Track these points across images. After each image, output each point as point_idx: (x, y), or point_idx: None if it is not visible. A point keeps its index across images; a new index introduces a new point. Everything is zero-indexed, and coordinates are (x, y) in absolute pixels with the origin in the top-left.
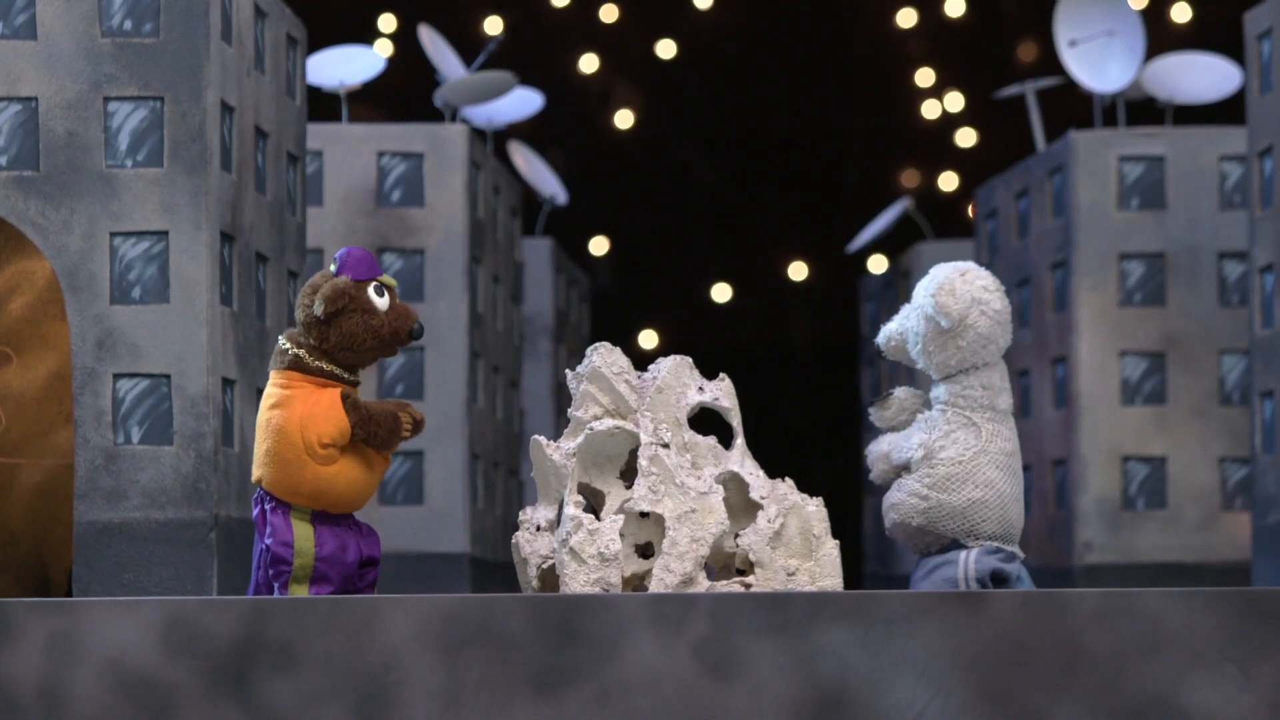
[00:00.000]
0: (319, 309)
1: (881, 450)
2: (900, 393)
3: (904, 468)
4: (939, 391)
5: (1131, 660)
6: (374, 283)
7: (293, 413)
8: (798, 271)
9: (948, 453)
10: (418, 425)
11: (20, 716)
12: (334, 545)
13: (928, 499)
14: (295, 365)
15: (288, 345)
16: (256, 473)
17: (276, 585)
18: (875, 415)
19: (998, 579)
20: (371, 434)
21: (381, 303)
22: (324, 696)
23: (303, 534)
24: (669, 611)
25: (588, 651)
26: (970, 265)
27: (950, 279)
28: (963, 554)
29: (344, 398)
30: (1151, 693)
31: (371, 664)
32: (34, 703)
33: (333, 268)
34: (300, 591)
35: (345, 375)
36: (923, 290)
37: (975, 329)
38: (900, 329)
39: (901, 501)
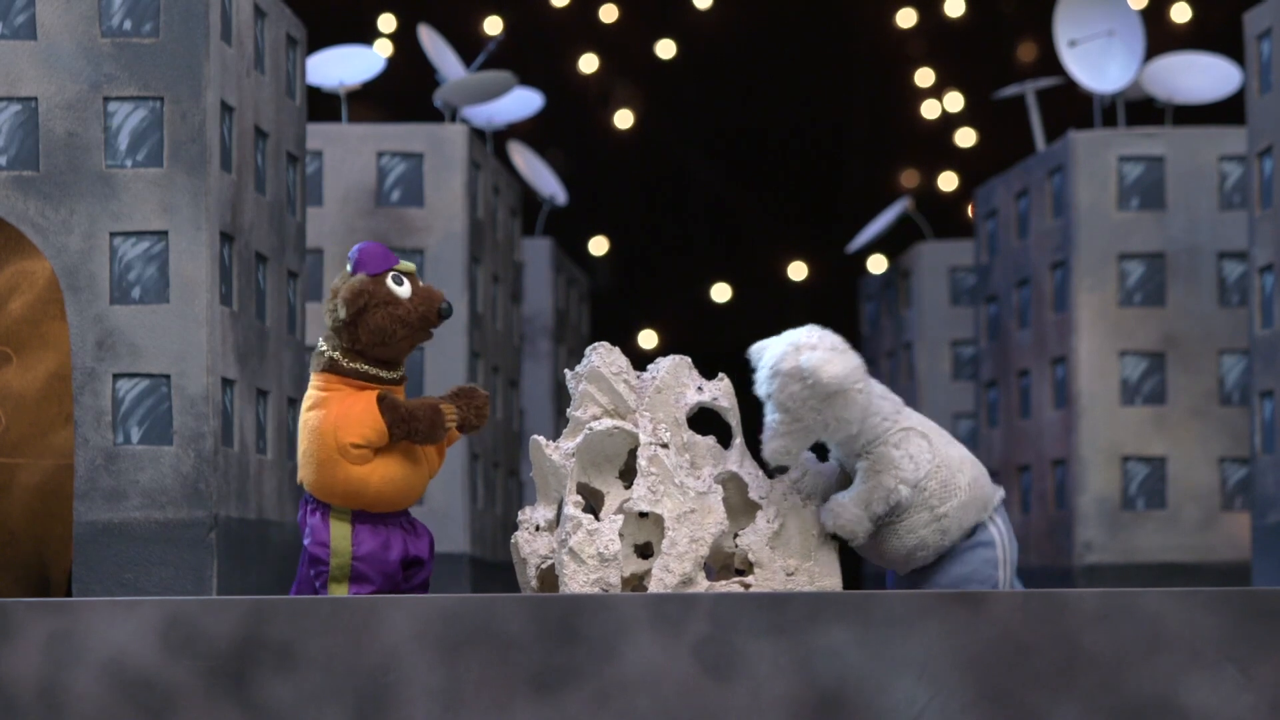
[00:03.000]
0: (342, 312)
1: (856, 514)
2: (794, 472)
3: (890, 513)
4: (864, 439)
5: (1131, 660)
6: (391, 273)
7: (329, 414)
8: (798, 271)
9: (922, 468)
10: (478, 412)
11: (20, 716)
12: (374, 544)
13: (945, 515)
14: (331, 368)
15: (324, 347)
16: (299, 474)
17: (317, 585)
18: (807, 485)
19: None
20: (412, 430)
21: (403, 291)
22: (324, 696)
23: (339, 534)
24: (669, 611)
25: (588, 651)
26: (782, 339)
27: (810, 359)
28: (994, 532)
29: (380, 399)
30: (1151, 693)
31: (371, 664)
32: (34, 703)
33: (349, 267)
34: (339, 591)
35: (384, 374)
36: (789, 389)
37: (858, 367)
38: (795, 440)
39: (924, 540)
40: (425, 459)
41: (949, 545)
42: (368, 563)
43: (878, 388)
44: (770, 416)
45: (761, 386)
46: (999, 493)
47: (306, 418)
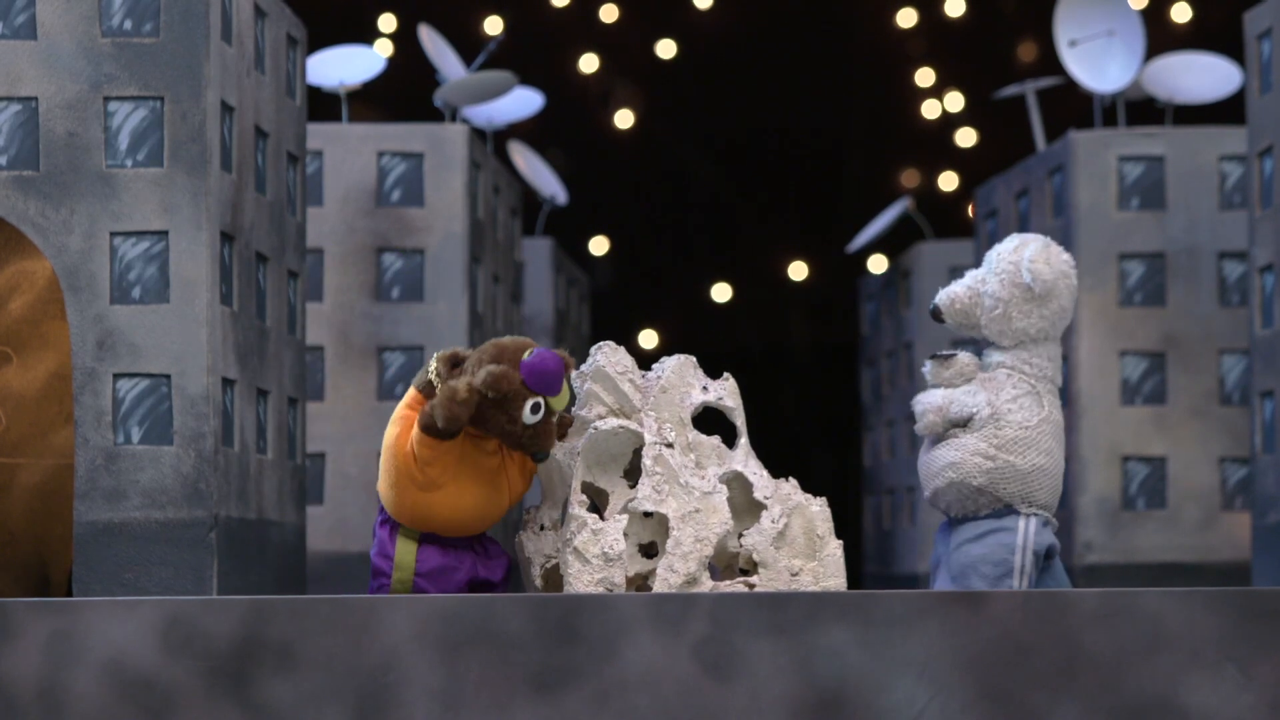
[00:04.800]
0: (479, 380)
1: (936, 402)
2: (964, 356)
3: (959, 424)
4: (1002, 357)
5: (1131, 660)
6: (532, 400)
7: (405, 435)
8: (798, 271)
9: (1015, 416)
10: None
11: (20, 716)
12: (439, 563)
13: (994, 459)
14: (425, 390)
15: (432, 367)
16: (378, 484)
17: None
18: (931, 372)
19: (1048, 554)
20: (443, 420)
21: (531, 418)
22: (324, 696)
23: (404, 549)
24: (669, 611)
25: (588, 651)
26: (1053, 243)
27: (1044, 247)
28: (1022, 521)
29: (422, 410)
30: (1151, 693)
31: (371, 664)
32: (34, 703)
33: (529, 354)
34: None
35: None
36: (1005, 256)
37: (1059, 300)
38: (969, 291)
39: (964, 460)
40: (507, 483)
41: (973, 490)
42: (430, 579)
43: (1057, 354)
44: (976, 270)
45: (1003, 242)
46: (1052, 521)
47: (388, 433)
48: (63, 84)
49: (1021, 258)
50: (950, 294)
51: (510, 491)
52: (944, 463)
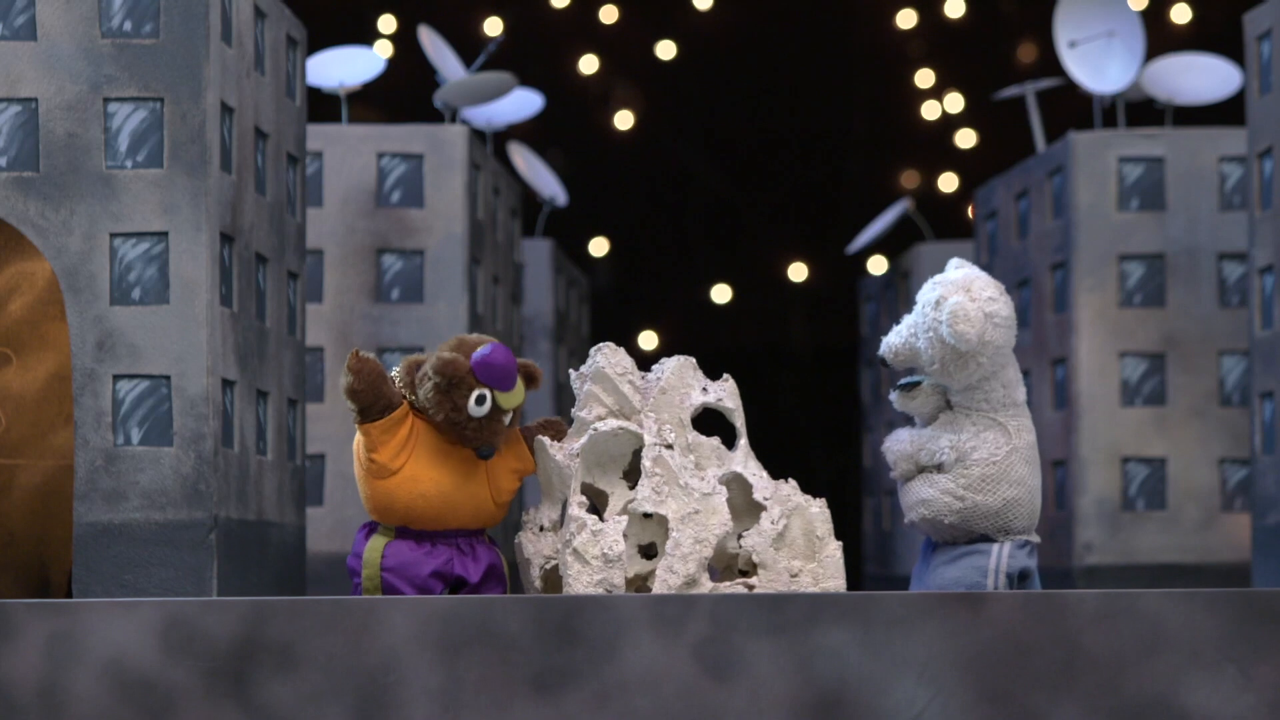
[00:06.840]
0: (430, 371)
1: (905, 450)
2: (929, 384)
3: (931, 468)
4: (957, 396)
5: (1131, 660)
6: (478, 391)
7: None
8: (798, 272)
9: (980, 453)
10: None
11: (20, 716)
12: (406, 558)
13: (964, 499)
14: None
15: (394, 373)
16: None
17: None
18: (899, 401)
19: (1022, 576)
20: (370, 404)
21: (476, 410)
22: (324, 696)
23: (372, 546)
24: (669, 612)
25: (588, 652)
26: (971, 274)
27: (961, 305)
28: (995, 546)
29: None
30: (1151, 693)
31: (371, 664)
32: (34, 703)
33: (476, 354)
34: None
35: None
36: (928, 308)
37: (992, 344)
38: (907, 344)
39: (934, 499)
40: (487, 476)
41: (947, 526)
42: (396, 574)
43: (1010, 375)
44: (909, 316)
45: (924, 289)
46: (1032, 536)
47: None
48: (63, 85)
49: (941, 316)
50: (891, 346)
51: (493, 487)
52: (916, 499)
